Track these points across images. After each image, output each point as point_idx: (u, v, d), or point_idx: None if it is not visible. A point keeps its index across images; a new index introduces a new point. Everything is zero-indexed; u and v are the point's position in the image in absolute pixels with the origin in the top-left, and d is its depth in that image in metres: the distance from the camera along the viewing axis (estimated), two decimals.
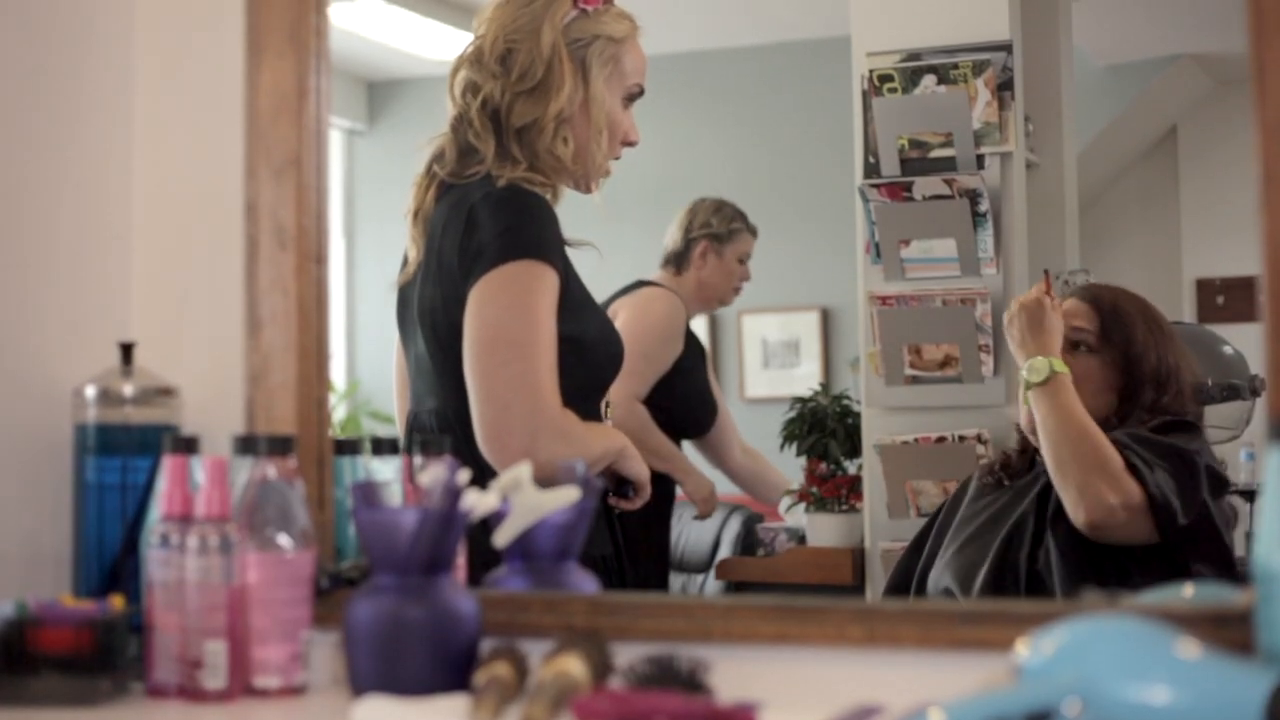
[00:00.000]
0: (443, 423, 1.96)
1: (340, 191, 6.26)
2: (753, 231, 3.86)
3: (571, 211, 2.08)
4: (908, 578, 2.45)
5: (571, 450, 1.84)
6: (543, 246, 1.92)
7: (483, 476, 1.53)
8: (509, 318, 1.88)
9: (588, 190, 2.09)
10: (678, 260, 3.80)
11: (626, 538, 2.08)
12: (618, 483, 2.02)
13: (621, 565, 2.04)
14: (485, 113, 2.00)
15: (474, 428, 1.88)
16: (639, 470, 2.01)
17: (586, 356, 1.98)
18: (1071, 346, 2.35)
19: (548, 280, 1.91)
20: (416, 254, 2.02)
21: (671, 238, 3.83)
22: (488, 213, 1.93)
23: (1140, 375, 2.31)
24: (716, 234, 3.78)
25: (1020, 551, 2.25)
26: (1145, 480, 2.15)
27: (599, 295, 2.36)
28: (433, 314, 1.97)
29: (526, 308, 1.89)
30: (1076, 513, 2.17)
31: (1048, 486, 2.31)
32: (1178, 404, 2.32)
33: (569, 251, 2.00)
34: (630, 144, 2.11)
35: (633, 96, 2.11)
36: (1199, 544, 2.15)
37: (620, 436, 2.02)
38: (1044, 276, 2.43)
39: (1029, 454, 2.43)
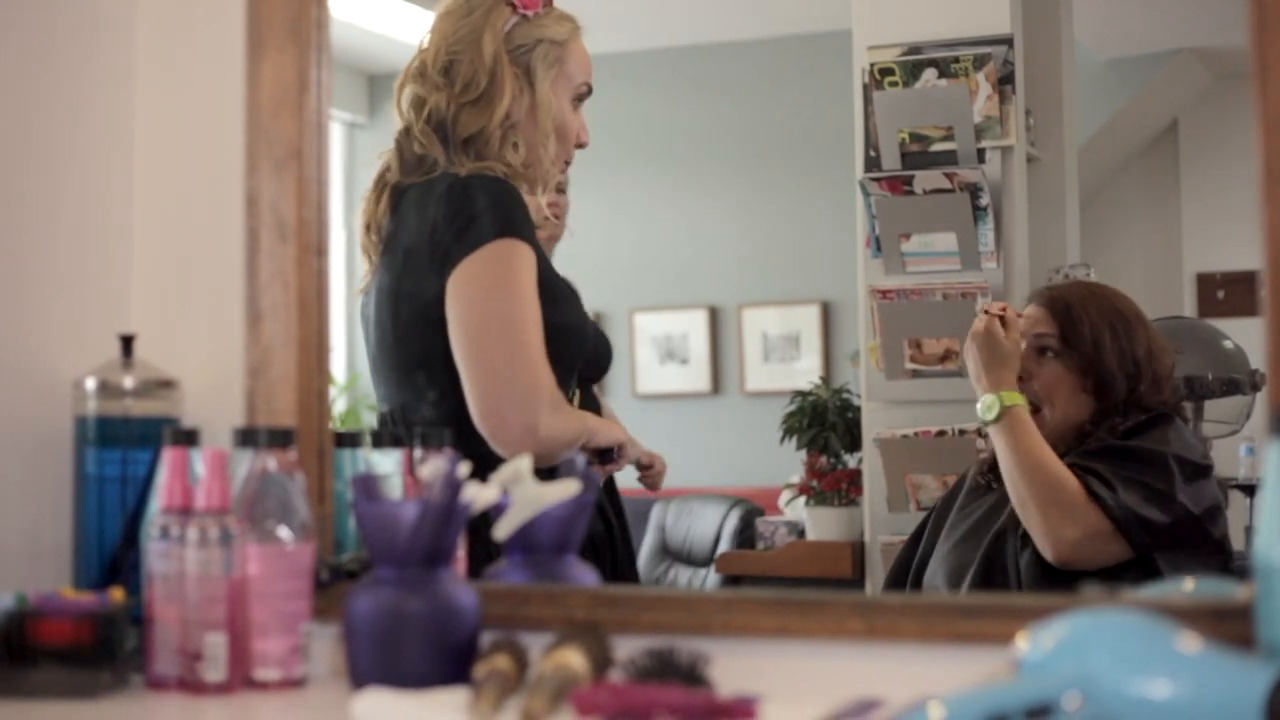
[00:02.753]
0: (412, 419, 1.94)
1: (341, 184, 6.24)
2: None
3: None
4: (907, 572, 2.45)
5: (566, 426, 1.88)
6: (520, 226, 1.92)
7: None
8: (498, 296, 1.88)
9: (537, 194, 2.07)
10: None
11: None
12: (598, 454, 2.01)
13: (614, 542, 2.03)
14: (430, 125, 1.99)
15: (470, 406, 1.87)
16: (614, 435, 2.01)
17: (565, 341, 1.97)
18: (1039, 353, 2.33)
19: (529, 259, 1.91)
20: (370, 267, 2.02)
21: None
22: (464, 197, 1.91)
23: (1107, 372, 2.29)
24: None
25: (1007, 557, 2.24)
26: (1106, 505, 2.12)
27: None
28: (395, 311, 1.96)
29: (514, 286, 1.88)
30: (1044, 550, 2.15)
31: None
32: (1154, 393, 2.28)
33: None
34: (581, 146, 2.09)
35: (581, 97, 2.09)
36: (1184, 544, 2.13)
37: (585, 413, 2.02)
38: (998, 307, 2.34)
39: None
